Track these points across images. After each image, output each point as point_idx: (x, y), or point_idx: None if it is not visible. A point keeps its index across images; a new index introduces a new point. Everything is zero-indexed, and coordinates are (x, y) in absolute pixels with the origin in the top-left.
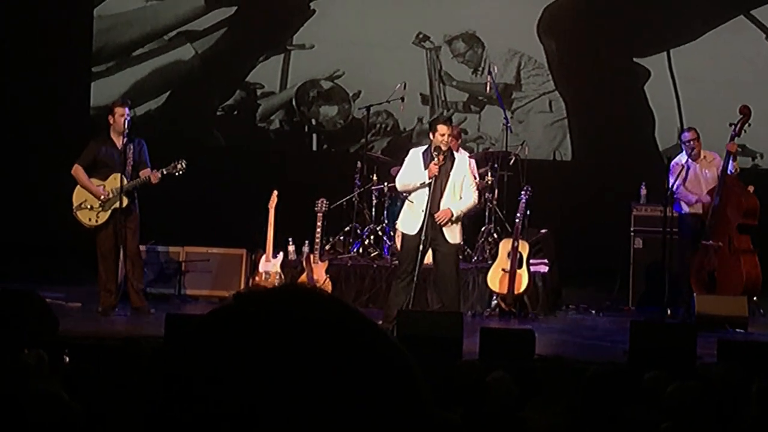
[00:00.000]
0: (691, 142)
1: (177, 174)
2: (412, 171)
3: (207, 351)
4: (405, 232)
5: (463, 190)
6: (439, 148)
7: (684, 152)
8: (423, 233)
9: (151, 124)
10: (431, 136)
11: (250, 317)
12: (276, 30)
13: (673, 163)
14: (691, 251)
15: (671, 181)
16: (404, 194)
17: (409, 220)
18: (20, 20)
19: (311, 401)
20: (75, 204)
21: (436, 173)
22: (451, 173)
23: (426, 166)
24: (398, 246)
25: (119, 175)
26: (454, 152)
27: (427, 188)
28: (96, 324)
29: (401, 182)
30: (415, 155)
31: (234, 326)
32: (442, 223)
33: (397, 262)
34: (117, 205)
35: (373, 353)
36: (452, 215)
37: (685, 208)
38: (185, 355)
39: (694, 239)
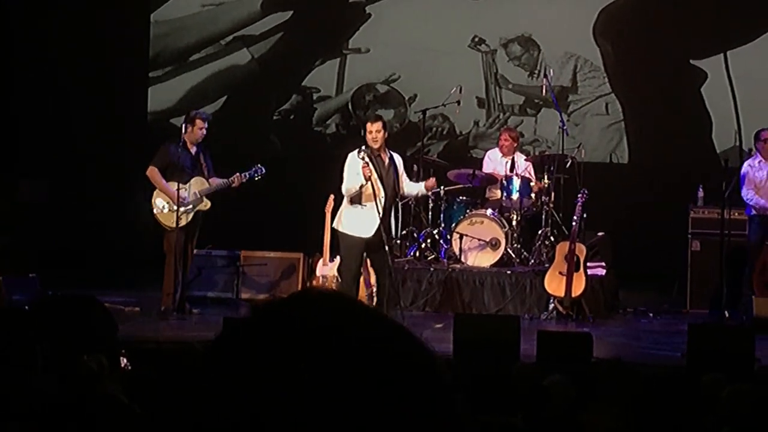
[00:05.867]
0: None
1: (256, 178)
2: (356, 175)
3: (224, 366)
4: (357, 235)
5: (403, 184)
6: (364, 149)
7: (757, 154)
8: (380, 232)
9: (209, 129)
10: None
11: (264, 330)
12: (332, 34)
13: (746, 165)
14: (757, 252)
15: (743, 190)
16: (353, 201)
17: (361, 223)
18: (78, 26)
19: (328, 409)
20: (156, 207)
21: (370, 173)
22: (393, 167)
23: (376, 167)
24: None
25: (202, 178)
26: (390, 151)
27: (372, 188)
28: (154, 328)
29: (347, 190)
30: (353, 160)
31: (249, 340)
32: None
33: (455, 265)
34: (202, 206)
35: (390, 353)
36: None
37: (755, 210)
38: (204, 371)
39: (762, 240)
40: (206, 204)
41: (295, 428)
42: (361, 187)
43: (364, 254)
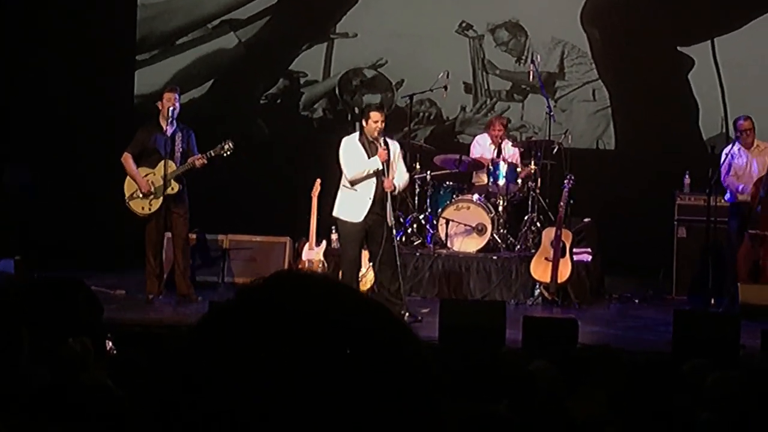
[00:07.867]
0: (747, 132)
1: (225, 155)
2: (358, 159)
3: (207, 350)
4: (350, 220)
5: (396, 172)
6: (381, 133)
7: (737, 141)
8: (373, 218)
9: (195, 112)
10: (364, 122)
11: (246, 312)
12: (319, 18)
13: (724, 153)
14: (738, 240)
15: (722, 172)
16: (352, 184)
17: (354, 208)
18: (64, 9)
19: (311, 393)
20: (127, 194)
21: (386, 158)
22: (391, 157)
23: (370, 154)
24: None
25: (169, 161)
26: (387, 138)
27: (374, 175)
28: (141, 311)
29: (354, 172)
30: (352, 144)
31: (232, 322)
32: (391, 193)
33: (441, 250)
34: (169, 190)
35: (374, 337)
36: (395, 187)
37: (736, 197)
38: (189, 353)
39: (742, 228)
40: (173, 188)
41: (278, 413)
42: (375, 171)
43: (362, 240)
